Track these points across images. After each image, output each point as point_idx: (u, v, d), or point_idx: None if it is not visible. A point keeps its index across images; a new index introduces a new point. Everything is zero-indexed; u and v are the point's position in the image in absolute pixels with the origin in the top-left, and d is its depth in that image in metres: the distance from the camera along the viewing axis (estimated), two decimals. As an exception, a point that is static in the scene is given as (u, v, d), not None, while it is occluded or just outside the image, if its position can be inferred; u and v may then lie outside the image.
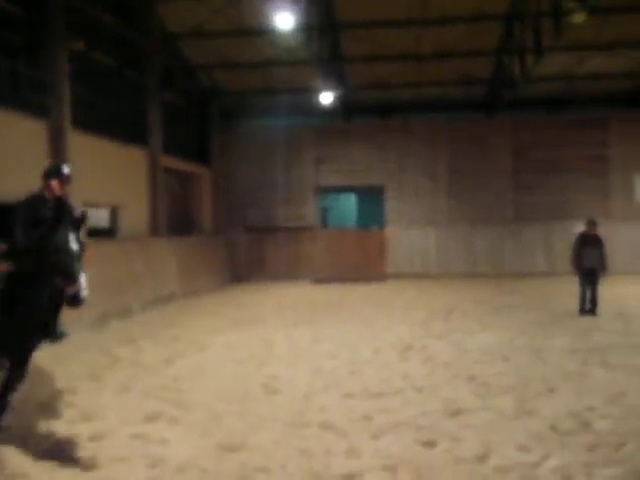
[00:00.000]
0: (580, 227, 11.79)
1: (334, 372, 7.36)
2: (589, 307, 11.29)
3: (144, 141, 16.02)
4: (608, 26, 15.16)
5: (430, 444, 4.88)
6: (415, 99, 20.09)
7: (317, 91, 17.73)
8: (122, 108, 15.47)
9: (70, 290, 4.27)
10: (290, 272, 19.89)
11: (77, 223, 4.59)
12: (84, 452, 4.71)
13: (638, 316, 11.19)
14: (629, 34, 15.93)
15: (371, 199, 21.94)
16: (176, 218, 18.57)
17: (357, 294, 16.01)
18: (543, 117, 20.28)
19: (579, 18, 12.21)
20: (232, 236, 20.53)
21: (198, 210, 20.16)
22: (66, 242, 4.37)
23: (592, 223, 11.52)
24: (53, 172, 5.15)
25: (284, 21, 12.04)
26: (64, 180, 5.13)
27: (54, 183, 5.08)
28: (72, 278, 4.28)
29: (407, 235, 20.20)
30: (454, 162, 20.29)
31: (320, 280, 19.07)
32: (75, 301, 4.30)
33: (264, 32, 14.59)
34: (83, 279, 4.35)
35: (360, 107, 20.73)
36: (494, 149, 20.21)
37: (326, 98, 17.81)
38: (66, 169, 5.19)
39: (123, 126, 15.30)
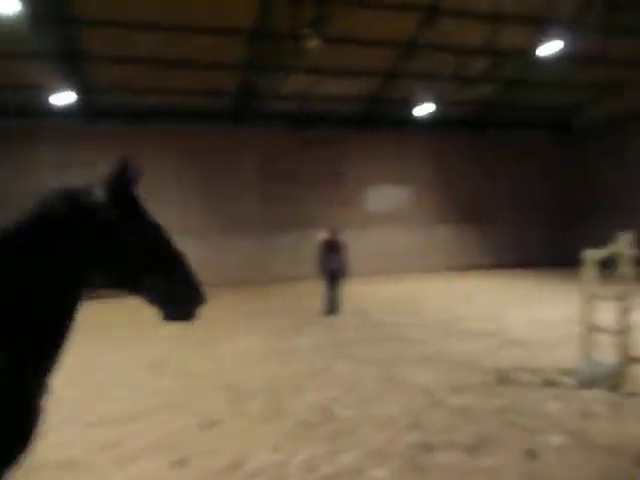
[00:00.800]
0: (323, 234, 12.82)
1: (75, 402, 6.60)
2: (333, 307, 12.34)
3: None
4: (341, 54, 16.89)
5: (183, 462, 4.69)
6: (163, 106, 19.59)
7: (55, 90, 16.03)
8: None
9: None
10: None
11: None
12: None
13: (374, 313, 12.63)
14: (360, 63, 17.97)
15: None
16: None
17: (107, 309, 14.85)
18: (287, 132, 21.63)
19: (312, 44, 13.36)
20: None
21: None
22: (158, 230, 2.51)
23: (333, 231, 12.66)
24: None
25: (7, 6, 10.57)
26: None
27: None
28: (200, 292, 2.51)
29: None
30: (205, 172, 20.35)
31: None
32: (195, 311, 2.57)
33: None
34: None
35: (104, 110, 19.40)
36: (243, 160, 20.84)
37: (64, 98, 16.22)
38: None
39: None
